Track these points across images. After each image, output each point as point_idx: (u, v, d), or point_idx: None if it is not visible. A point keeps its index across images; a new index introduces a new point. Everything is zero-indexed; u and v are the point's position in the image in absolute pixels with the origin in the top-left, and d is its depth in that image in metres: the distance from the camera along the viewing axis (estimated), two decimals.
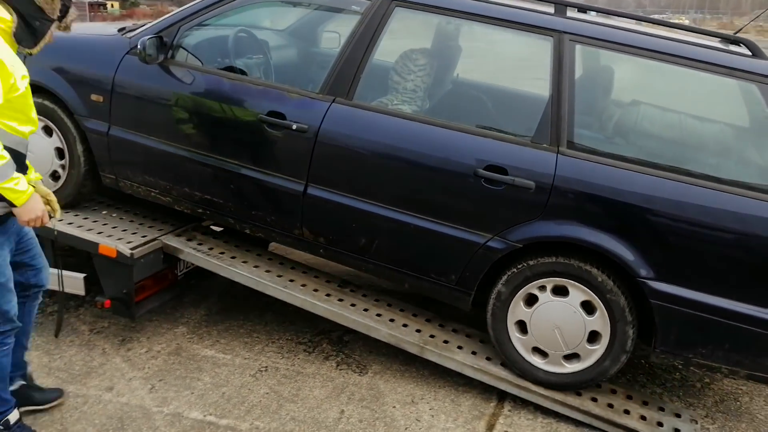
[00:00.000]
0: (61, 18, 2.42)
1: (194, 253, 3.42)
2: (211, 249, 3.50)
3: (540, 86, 3.04)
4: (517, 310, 3.03)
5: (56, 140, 3.59)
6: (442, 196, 3.02)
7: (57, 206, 2.61)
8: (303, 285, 3.37)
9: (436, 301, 3.22)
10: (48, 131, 3.59)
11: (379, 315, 3.29)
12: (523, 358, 3.07)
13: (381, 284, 4.21)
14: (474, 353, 3.18)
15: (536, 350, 3.06)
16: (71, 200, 3.64)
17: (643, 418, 3.00)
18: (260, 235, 3.46)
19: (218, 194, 3.39)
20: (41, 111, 3.46)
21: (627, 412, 3.02)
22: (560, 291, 2.96)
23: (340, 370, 3.36)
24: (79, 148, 3.55)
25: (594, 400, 3.05)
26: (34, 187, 2.41)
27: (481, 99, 3.68)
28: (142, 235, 3.45)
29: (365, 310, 3.31)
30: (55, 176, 3.63)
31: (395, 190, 3.09)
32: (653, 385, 3.44)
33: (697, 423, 3.08)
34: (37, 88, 3.53)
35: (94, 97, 3.47)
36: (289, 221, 3.29)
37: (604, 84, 3.34)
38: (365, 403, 3.10)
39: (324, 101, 3.14)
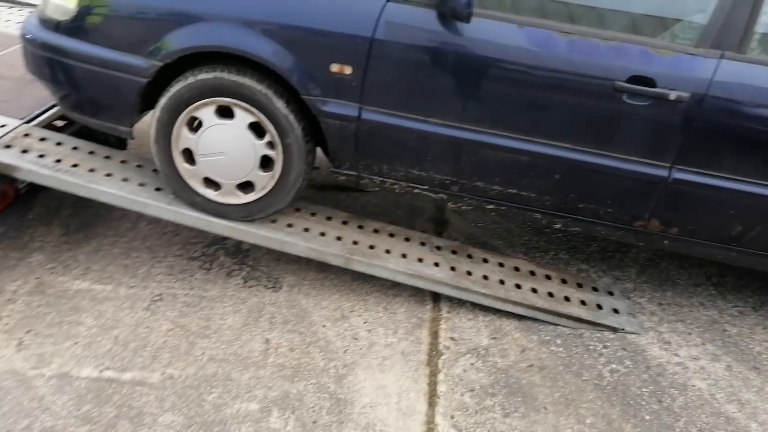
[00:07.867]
0: None
1: (37, 170, 2.67)
2: (58, 161, 2.74)
3: None
4: None
5: (262, 145, 2.62)
6: None
7: None
8: None
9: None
10: (257, 130, 2.59)
11: (290, 225, 2.82)
12: None
13: None
14: (404, 256, 2.85)
15: None
16: (275, 211, 2.79)
17: (583, 303, 2.91)
18: (576, 229, 2.82)
19: (530, 187, 2.68)
20: (227, 91, 2.50)
21: (567, 299, 2.90)
22: None
23: (250, 287, 2.90)
24: (300, 141, 2.60)
25: (534, 291, 2.89)
26: None
27: None
28: None
29: (273, 221, 2.81)
30: (247, 186, 2.74)
31: None
32: (576, 261, 3.35)
33: (629, 299, 3.07)
34: (217, 55, 2.51)
35: (335, 67, 2.50)
36: (634, 211, 2.69)
37: None
38: (291, 325, 2.70)
39: (707, 57, 2.42)
